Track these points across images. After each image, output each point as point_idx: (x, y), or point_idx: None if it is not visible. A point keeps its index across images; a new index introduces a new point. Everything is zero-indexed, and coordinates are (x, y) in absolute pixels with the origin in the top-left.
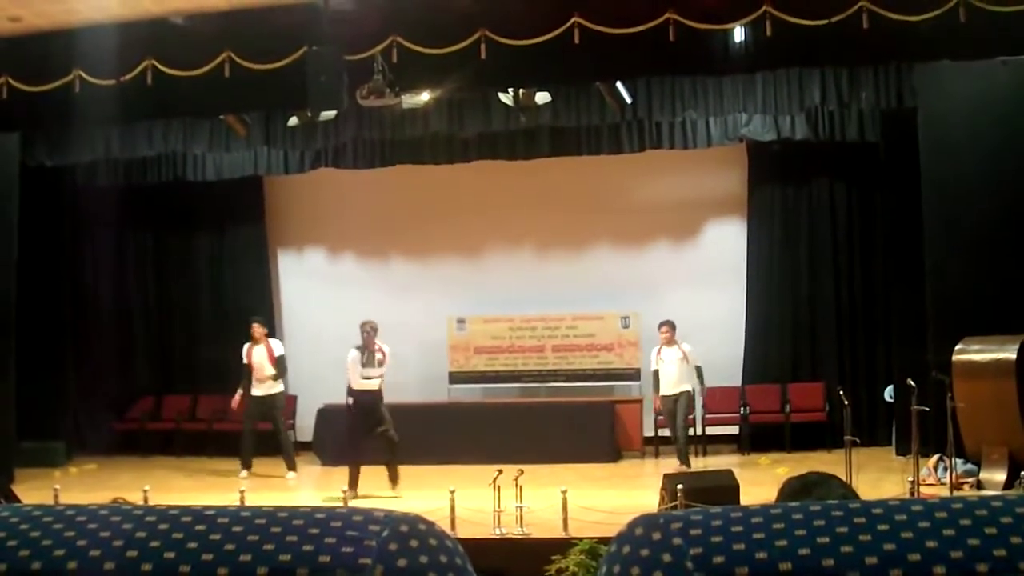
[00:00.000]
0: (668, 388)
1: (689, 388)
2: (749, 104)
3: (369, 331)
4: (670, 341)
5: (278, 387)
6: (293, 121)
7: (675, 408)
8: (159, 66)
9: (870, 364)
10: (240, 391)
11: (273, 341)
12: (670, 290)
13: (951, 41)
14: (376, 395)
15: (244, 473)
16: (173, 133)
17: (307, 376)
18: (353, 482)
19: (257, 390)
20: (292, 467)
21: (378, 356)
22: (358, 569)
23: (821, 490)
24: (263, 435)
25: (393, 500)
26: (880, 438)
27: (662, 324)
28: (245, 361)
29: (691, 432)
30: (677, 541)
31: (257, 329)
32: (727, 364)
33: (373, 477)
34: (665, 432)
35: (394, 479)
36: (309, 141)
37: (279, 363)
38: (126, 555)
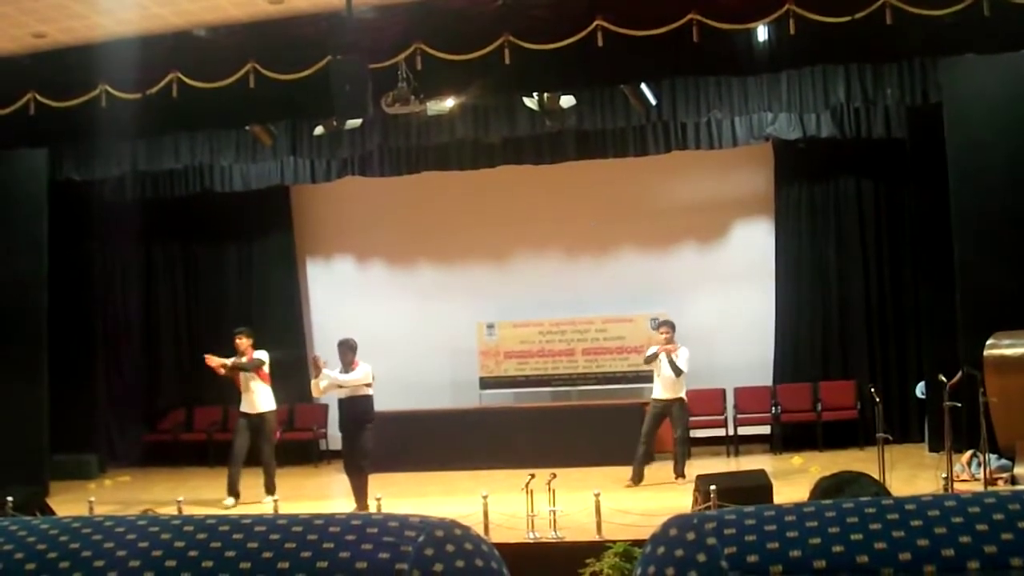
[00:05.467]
0: (662, 392)
1: (683, 395)
2: (774, 103)
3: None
4: (670, 343)
5: (263, 405)
6: (319, 130)
7: (666, 414)
8: (184, 79)
9: (901, 361)
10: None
11: (258, 352)
12: (699, 291)
13: (975, 35)
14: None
15: (230, 501)
16: (199, 145)
17: None
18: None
19: (242, 405)
20: (271, 490)
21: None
22: (394, 574)
23: (854, 488)
24: (279, 446)
25: (425, 505)
26: (912, 435)
27: (661, 324)
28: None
29: (723, 432)
30: (711, 541)
31: (240, 341)
32: (757, 364)
33: (400, 484)
34: (698, 432)
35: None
36: (335, 150)
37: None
38: (164, 564)
